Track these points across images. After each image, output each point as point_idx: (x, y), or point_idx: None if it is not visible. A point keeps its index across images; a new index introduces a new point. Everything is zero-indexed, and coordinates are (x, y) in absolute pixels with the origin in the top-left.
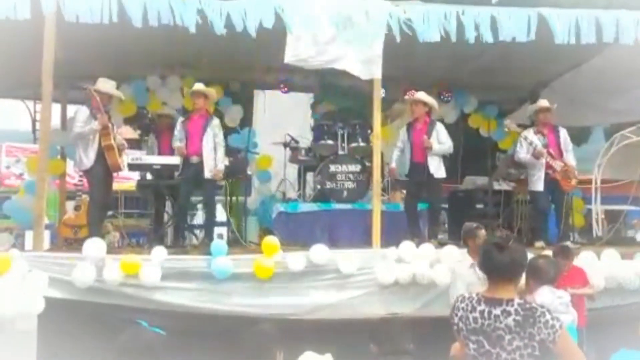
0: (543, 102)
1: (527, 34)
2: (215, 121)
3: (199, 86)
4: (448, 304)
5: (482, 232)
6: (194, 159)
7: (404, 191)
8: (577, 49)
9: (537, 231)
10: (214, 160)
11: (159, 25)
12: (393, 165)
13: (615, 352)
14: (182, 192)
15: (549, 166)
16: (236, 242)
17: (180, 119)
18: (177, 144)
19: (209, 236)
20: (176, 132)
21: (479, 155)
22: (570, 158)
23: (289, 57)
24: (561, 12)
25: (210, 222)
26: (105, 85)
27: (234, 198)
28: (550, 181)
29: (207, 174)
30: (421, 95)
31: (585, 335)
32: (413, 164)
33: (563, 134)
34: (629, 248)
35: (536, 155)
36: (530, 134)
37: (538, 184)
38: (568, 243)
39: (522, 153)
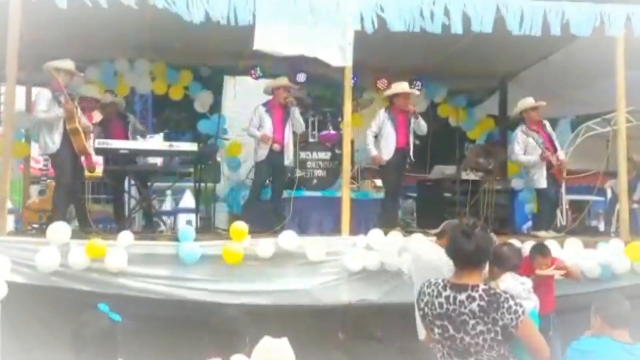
0: (531, 101)
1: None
2: (297, 111)
3: (285, 81)
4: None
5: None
6: (276, 147)
7: (375, 180)
8: (545, 40)
9: (546, 221)
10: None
11: (128, 7)
12: (376, 152)
13: (576, 338)
14: (260, 179)
15: (549, 163)
16: (205, 229)
17: (261, 109)
18: (260, 132)
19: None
20: (255, 120)
21: (447, 144)
22: (562, 154)
23: (259, 44)
24: (528, 4)
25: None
26: (64, 63)
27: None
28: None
29: (286, 162)
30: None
31: (552, 321)
32: (397, 149)
33: (548, 127)
34: (592, 237)
35: (543, 159)
36: (522, 133)
37: (541, 182)
38: (543, 232)
39: (521, 155)
